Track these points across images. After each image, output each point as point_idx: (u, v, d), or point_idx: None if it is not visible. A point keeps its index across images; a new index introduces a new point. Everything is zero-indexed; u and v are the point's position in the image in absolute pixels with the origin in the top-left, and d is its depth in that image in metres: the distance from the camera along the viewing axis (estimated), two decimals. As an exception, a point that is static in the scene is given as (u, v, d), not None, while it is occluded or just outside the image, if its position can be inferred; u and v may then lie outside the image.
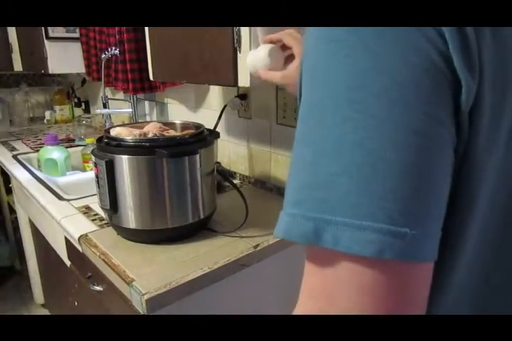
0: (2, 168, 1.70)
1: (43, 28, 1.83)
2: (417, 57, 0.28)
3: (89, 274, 1.02)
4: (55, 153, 1.60)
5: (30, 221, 1.70)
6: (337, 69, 0.30)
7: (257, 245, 0.93)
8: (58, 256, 1.30)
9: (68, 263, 1.22)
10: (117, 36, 1.57)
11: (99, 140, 0.94)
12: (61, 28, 1.88)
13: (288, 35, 0.73)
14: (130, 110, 1.81)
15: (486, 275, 0.38)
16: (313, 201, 0.30)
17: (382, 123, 0.28)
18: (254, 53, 0.76)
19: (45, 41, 1.86)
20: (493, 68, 0.30)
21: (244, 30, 0.77)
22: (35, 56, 1.97)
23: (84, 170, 1.71)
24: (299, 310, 0.34)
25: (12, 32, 2.13)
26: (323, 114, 0.30)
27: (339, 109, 0.29)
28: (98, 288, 0.99)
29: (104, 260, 0.88)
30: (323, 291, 0.31)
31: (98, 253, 0.90)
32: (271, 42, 0.75)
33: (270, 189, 1.28)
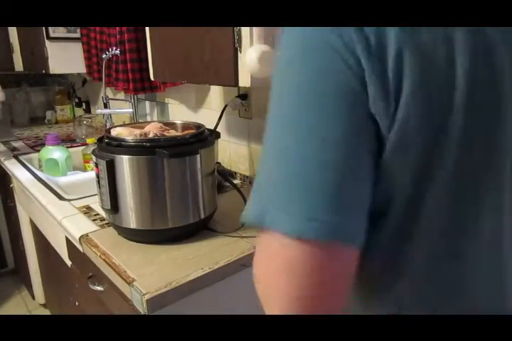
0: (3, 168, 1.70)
1: (43, 28, 1.83)
2: (336, 81, 0.34)
3: (90, 274, 1.02)
4: (56, 153, 1.60)
5: (31, 221, 1.70)
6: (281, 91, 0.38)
7: (258, 245, 0.93)
8: (59, 256, 1.30)
9: (69, 263, 1.22)
10: (118, 36, 1.57)
11: (100, 140, 0.94)
12: (62, 28, 1.88)
13: None
14: (131, 110, 1.81)
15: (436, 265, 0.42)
16: (263, 195, 0.38)
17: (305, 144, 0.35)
18: (248, 53, 0.77)
19: (46, 41, 1.86)
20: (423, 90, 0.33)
21: (245, 30, 0.77)
22: (35, 56, 1.98)
23: (85, 170, 1.71)
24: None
25: (13, 32, 2.13)
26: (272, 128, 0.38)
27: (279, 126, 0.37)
28: (99, 288, 0.99)
29: (104, 260, 0.88)
30: (255, 264, 0.40)
31: (99, 253, 0.90)
32: None
33: (271, 189, 1.28)
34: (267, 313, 0.45)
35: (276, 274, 0.37)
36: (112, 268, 0.85)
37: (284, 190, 0.35)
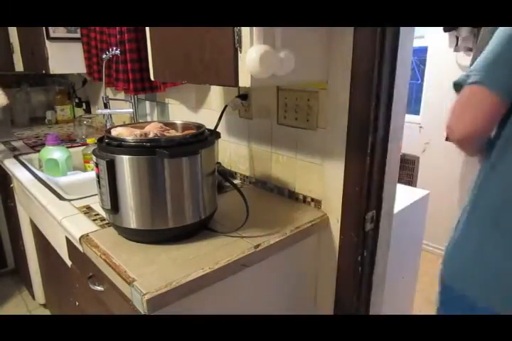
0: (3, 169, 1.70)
1: (44, 28, 1.83)
2: None
3: (90, 274, 1.02)
4: (56, 153, 1.61)
5: (31, 221, 1.70)
6: None
7: (258, 245, 0.93)
8: (59, 256, 1.30)
9: (69, 263, 1.22)
10: (118, 36, 1.57)
11: (100, 140, 0.94)
12: (62, 28, 1.88)
13: None
14: (131, 110, 1.81)
15: None
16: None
17: None
18: (248, 53, 0.77)
19: (46, 41, 1.87)
20: None
21: (245, 31, 0.77)
22: (36, 56, 1.98)
23: (85, 170, 1.71)
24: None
25: (13, 32, 2.13)
26: None
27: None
28: (99, 288, 0.99)
29: (105, 260, 0.88)
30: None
31: (99, 254, 0.90)
32: None
33: (271, 189, 1.28)
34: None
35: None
36: (112, 268, 0.85)
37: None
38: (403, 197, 1.36)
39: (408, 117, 2.44)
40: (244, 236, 0.97)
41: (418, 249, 1.51)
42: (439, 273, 0.92)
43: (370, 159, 0.97)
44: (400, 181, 1.16)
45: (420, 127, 2.60)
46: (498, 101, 0.78)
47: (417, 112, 2.61)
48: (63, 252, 1.23)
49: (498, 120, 0.81)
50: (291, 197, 1.22)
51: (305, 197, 1.17)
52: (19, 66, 2.19)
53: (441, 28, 2.27)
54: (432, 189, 1.66)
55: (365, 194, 1.00)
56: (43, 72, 1.96)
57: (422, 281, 1.67)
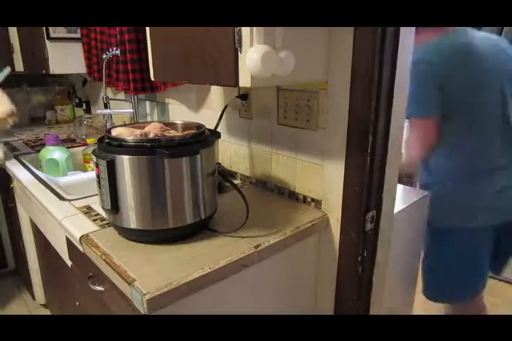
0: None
1: (44, 28, 1.83)
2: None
3: (91, 274, 1.02)
4: (56, 153, 1.61)
5: (31, 221, 1.71)
6: None
7: (258, 245, 0.93)
8: (59, 257, 1.30)
9: (69, 263, 1.22)
10: (118, 37, 1.57)
11: (101, 140, 0.94)
12: (62, 28, 1.89)
13: None
14: (131, 110, 1.81)
15: None
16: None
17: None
18: (248, 54, 0.77)
19: (47, 41, 1.87)
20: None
21: (245, 31, 0.77)
22: (36, 56, 1.98)
23: (85, 170, 1.71)
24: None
25: (13, 33, 2.13)
26: None
27: None
28: (99, 288, 1.00)
29: (105, 260, 0.88)
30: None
31: (99, 254, 0.90)
32: None
33: (271, 189, 1.28)
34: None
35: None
36: (112, 268, 0.85)
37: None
38: (403, 197, 1.36)
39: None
40: (244, 237, 0.97)
41: (418, 250, 1.51)
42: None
43: (370, 159, 0.97)
44: (399, 181, 1.16)
45: (420, 127, 2.60)
46: (431, 122, 1.34)
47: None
48: (63, 252, 1.23)
49: (439, 134, 1.36)
50: (291, 197, 1.22)
51: (305, 197, 1.17)
52: (19, 66, 2.19)
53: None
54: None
55: (366, 194, 1.00)
56: (43, 72, 1.96)
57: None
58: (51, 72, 1.93)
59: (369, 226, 1.05)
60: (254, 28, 0.76)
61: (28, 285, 2.07)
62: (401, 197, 1.35)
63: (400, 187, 1.14)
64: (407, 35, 0.95)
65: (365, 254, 1.06)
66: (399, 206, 1.27)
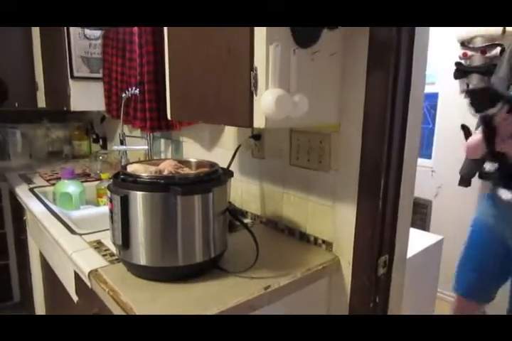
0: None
1: (68, 68, 1.92)
2: None
3: (96, 310, 1.01)
4: (70, 187, 1.63)
5: (40, 254, 1.70)
6: None
7: (268, 286, 0.91)
8: (65, 291, 1.29)
9: (75, 298, 1.20)
10: (138, 77, 1.64)
11: (116, 176, 0.96)
12: (86, 68, 1.97)
13: None
14: (146, 147, 1.85)
15: None
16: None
17: None
18: (263, 96, 0.79)
19: (70, 80, 1.95)
20: None
21: (261, 74, 0.80)
22: (59, 94, 2.06)
23: (97, 204, 1.72)
24: None
25: (39, 71, 2.24)
26: None
27: None
28: (104, 326, 0.97)
29: (112, 296, 0.87)
30: None
31: (107, 290, 0.89)
32: None
33: (282, 229, 1.27)
34: None
35: None
36: (118, 304, 0.84)
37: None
38: (416, 241, 1.34)
39: (420, 161, 2.44)
40: (253, 277, 0.95)
41: (433, 295, 1.47)
42: None
43: (383, 202, 0.97)
44: (412, 225, 1.15)
45: (432, 171, 2.60)
46: None
47: (429, 156, 2.62)
48: (70, 287, 1.22)
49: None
50: (302, 238, 1.20)
51: (316, 239, 1.16)
52: (41, 102, 2.28)
53: (452, 75, 2.32)
54: (445, 233, 1.64)
55: (378, 238, 0.99)
56: (65, 108, 2.03)
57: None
58: (72, 109, 2.00)
59: (381, 270, 1.02)
60: (270, 72, 0.79)
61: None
62: (414, 242, 1.33)
63: (412, 232, 1.12)
64: (419, 79, 0.98)
65: (378, 300, 1.03)
66: (412, 251, 1.25)
